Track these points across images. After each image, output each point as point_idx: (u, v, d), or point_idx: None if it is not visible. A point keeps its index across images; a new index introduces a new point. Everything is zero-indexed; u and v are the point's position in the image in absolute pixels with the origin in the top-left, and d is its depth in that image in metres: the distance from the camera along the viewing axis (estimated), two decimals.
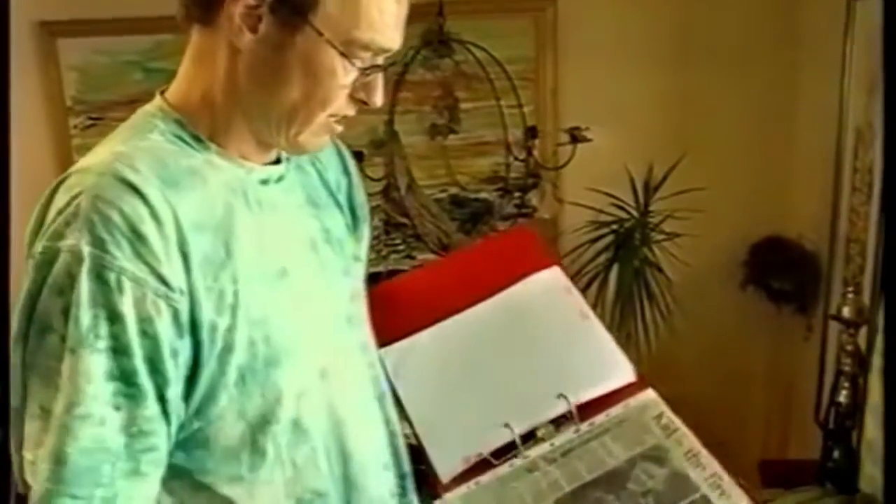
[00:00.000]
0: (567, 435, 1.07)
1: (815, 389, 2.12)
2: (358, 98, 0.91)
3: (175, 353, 0.84)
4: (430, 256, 2.37)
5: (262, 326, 0.89)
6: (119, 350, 0.80)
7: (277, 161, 0.99)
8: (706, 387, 2.35)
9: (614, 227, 2.24)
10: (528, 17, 2.33)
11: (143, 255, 0.80)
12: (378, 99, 0.92)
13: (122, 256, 0.80)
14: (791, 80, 2.34)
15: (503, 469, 1.05)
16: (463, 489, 1.05)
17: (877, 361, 1.74)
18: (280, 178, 0.98)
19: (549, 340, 1.17)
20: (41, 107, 2.21)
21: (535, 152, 2.28)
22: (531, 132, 2.26)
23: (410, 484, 1.08)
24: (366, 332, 1.08)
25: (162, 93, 0.94)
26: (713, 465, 1.01)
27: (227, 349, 0.86)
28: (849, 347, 1.86)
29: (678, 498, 0.98)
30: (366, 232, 1.13)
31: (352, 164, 1.13)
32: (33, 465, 0.81)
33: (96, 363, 0.80)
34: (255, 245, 0.90)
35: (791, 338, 2.42)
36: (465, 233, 2.36)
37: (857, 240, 2.05)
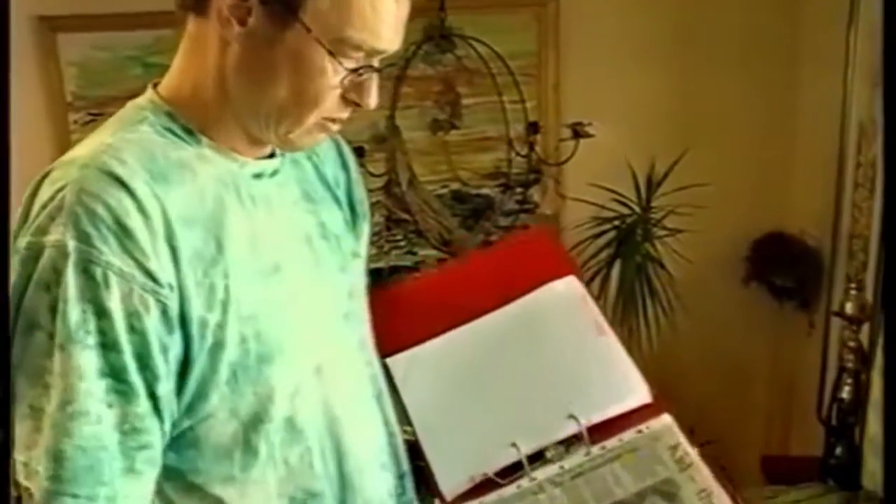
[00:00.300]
0: (577, 458, 1.02)
1: (818, 386, 2.12)
2: (350, 99, 0.89)
3: (165, 349, 0.82)
4: (432, 252, 2.36)
5: (253, 323, 0.87)
6: (108, 346, 0.79)
7: (272, 155, 0.97)
8: (708, 383, 2.34)
9: (616, 222, 2.24)
10: (530, 11, 2.31)
11: (130, 249, 0.79)
12: (371, 102, 0.89)
13: (109, 251, 0.78)
14: (794, 74, 2.33)
15: (509, 490, 1.02)
16: None
17: (879, 358, 1.74)
18: (274, 173, 0.96)
19: (562, 355, 1.12)
20: (41, 102, 2.20)
21: (538, 148, 2.28)
22: (533, 128, 2.26)
23: (410, 483, 1.07)
24: (365, 330, 1.06)
25: (154, 86, 0.93)
26: None
27: (218, 346, 0.85)
28: (851, 344, 1.85)
29: None
30: (365, 228, 1.11)
31: (350, 159, 1.11)
32: (27, 466, 0.80)
33: (87, 359, 0.78)
34: (247, 240, 0.89)
35: (793, 334, 2.41)
36: (466, 229, 2.36)
37: (860, 235, 2.04)
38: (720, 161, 2.29)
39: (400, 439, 1.06)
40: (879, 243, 1.92)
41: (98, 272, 0.78)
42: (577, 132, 2.09)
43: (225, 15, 0.84)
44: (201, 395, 0.86)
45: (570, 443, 1.04)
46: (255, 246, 0.90)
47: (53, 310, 0.78)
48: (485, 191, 2.39)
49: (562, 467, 1.02)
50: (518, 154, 2.28)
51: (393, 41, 0.87)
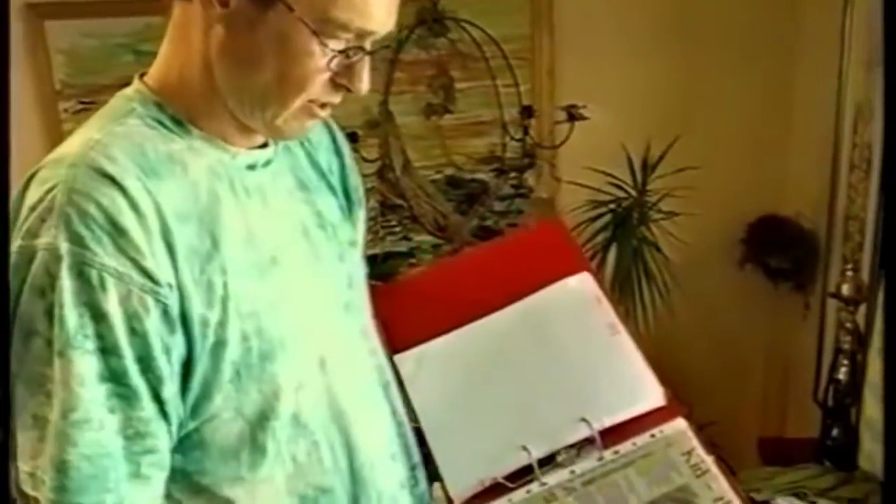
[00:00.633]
0: (589, 462, 1.00)
1: (814, 367, 2.13)
2: (341, 83, 0.85)
3: (167, 350, 0.80)
4: (427, 238, 2.35)
5: (253, 319, 0.85)
6: (108, 350, 0.77)
7: (265, 144, 0.94)
8: (704, 366, 2.35)
9: (612, 206, 2.23)
10: None
11: (125, 249, 0.77)
12: (362, 86, 0.86)
13: (103, 252, 0.76)
14: (789, 56, 2.31)
15: (519, 494, 0.99)
16: None
17: (876, 339, 1.74)
18: (268, 163, 0.94)
19: (574, 356, 1.09)
20: (30, 91, 2.18)
21: (532, 132, 2.27)
22: (527, 111, 2.25)
23: (422, 473, 1.05)
24: (366, 319, 1.04)
25: (142, 77, 0.91)
26: None
27: (220, 344, 0.83)
28: (848, 325, 1.85)
29: None
30: (361, 215, 1.09)
31: (344, 145, 1.08)
32: (32, 476, 0.78)
33: (88, 365, 0.76)
34: (242, 234, 0.87)
35: (789, 316, 2.42)
36: (461, 213, 2.35)
37: (856, 217, 2.04)
38: (716, 144, 2.28)
39: (409, 429, 1.05)
40: (875, 224, 1.92)
41: (93, 275, 0.76)
42: (572, 115, 2.08)
43: None
44: (205, 395, 0.84)
45: (581, 446, 1.01)
46: (251, 239, 0.88)
47: (50, 315, 0.76)
48: (479, 175, 2.38)
49: (573, 472, 1.00)
50: (512, 138, 2.27)
51: (384, 22, 0.84)
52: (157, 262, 0.79)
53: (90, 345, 0.77)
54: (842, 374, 1.86)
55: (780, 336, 2.47)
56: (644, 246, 2.22)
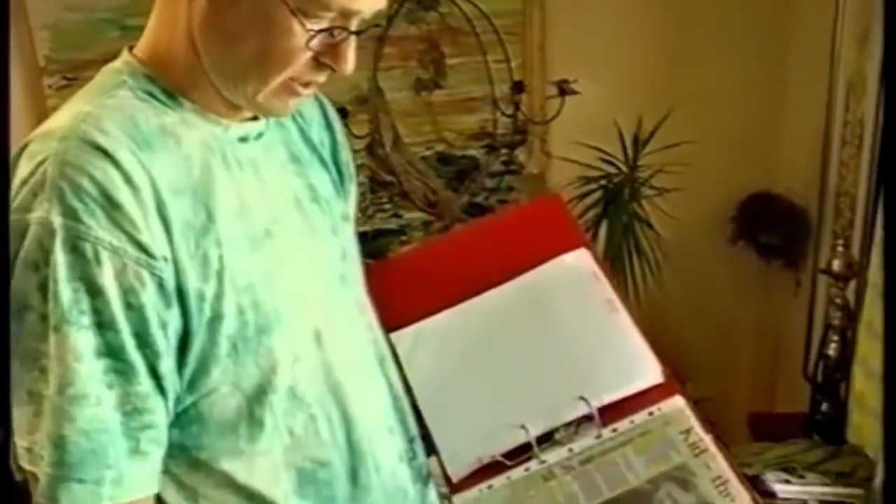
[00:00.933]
0: (587, 440, 0.99)
1: (804, 343, 2.13)
2: (324, 63, 0.83)
3: (164, 325, 0.80)
4: (418, 215, 2.34)
5: (249, 292, 0.85)
6: (104, 325, 0.77)
7: (256, 118, 0.93)
8: (695, 341, 2.35)
9: (603, 182, 2.22)
10: None
11: (120, 223, 0.76)
12: (346, 67, 0.84)
13: (97, 226, 0.76)
14: (781, 31, 2.30)
15: (517, 472, 0.99)
16: (475, 492, 0.99)
17: (866, 315, 1.74)
18: (259, 135, 0.93)
19: (572, 333, 1.08)
20: (13, 67, 2.15)
21: (523, 107, 2.25)
22: (518, 87, 2.23)
23: (419, 446, 1.04)
24: (361, 292, 1.04)
25: (130, 50, 0.89)
26: (743, 497, 0.92)
27: (217, 318, 0.83)
28: (838, 301, 1.86)
29: None
30: (353, 190, 1.09)
31: (335, 119, 1.07)
32: (30, 451, 0.78)
33: (84, 340, 0.76)
34: (236, 207, 0.86)
35: (780, 293, 2.42)
36: (452, 190, 2.34)
37: (847, 193, 2.04)
38: (707, 119, 2.27)
39: (406, 403, 1.04)
40: (866, 200, 1.92)
41: (88, 249, 0.75)
42: (563, 89, 2.06)
43: None
44: (202, 370, 0.84)
45: (579, 424, 1.01)
46: (245, 212, 0.87)
47: (44, 290, 0.75)
48: (470, 152, 2.36)
49: (571, 450, 0.99)
50: (503, 114, 2.26)
51: (371, 2, 0.82)
52: (152, 235, 0.78)
53: (86, 320, 0.76)
54: (831, 349, 1.86)
55: (770, 312, 2.48)
56: (635, 222, 2.22)
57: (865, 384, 1.74)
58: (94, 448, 0.77)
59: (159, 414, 0.81)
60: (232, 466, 0.87)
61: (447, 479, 1.02)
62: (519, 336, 1.09)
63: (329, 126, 1.06)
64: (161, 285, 0.79)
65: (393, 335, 1.08)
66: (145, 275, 0.78)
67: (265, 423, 0.88)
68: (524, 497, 0.97)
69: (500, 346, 1.09)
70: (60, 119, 0.82)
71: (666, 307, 2.25)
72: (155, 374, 0.80)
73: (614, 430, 1.00)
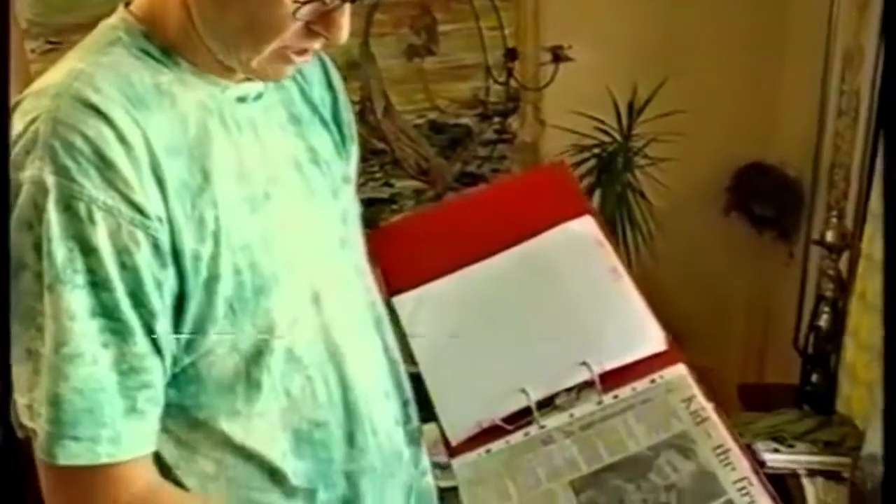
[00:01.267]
0: (588, 406, 0.98)
1: (795, 314, 2.14)
2: (317, 31, 0.82)
3: (159, 285, 0.79)
4: (410, 183, 2.32)
5: (246, 253, 0.84)
6: (98, 284, 0.76)
7: None
8: (687, 311, 2.34)
9: (597, 150, 2.21)
10: None
11: (114, 181, 0.75)
12: (339, 36, 0.82)
13: (91, 185, 0.74)
14: (778, 1, 2.27)
15: (517, 437, 0.99)
16: (473, 456, 0.99)
17: (858, 286, 1.74)
18: (258, 96, 0.91)
19: (575, 299, 1.07)
20: None
21: (516, 75, 2.23)
22: (511, 54, 2.20)
23: (413, 411, 1.05)
24: (360, 256, 1.03)
25: (127, 6, 0.87)
26: (743, 466, 0.91)
27: (213, 279, 0.82)
28: (830, 272, 1.86)
29: (703, 499, 0.90)
30: (354, 151, 1.07)
31: (337, 79, 1.05)
32: (30, 408, 0.78)
33: (78, 299, 0.75)
34: (234, 168, 0.85)
35: (772, 264, 2.42)
36: (444, 158, 2.32)
37: (842, 164, 2.03)
38: (702, 89, 2.25)
39: (402, 367, 1.04)
40: (861, 171, 1.91)
41: (81, 208, 0.74)
42: (557, 56, 2.04)
43: None
44: (199, 331, 0.83)
45: (580, 390, 1.00)
46: (242, 173, 0.86)
47: (38, 249, 0.75)
48: (463, 120, 2.34)
49: (572, 415, 0.99)
50: (496, 81, 2.23)
51: None
52: (146, 195, 0.77)
53: (80, 279, 0.75)
54: (823, 321, 1.87)
55: (762, 283, 2.48)
56: (628, 191, 2.21)
57: (857, 355, 1.74)
58: (90, 407, 0.77)
59: (156, 374, 0.81)
60: (230, 426, 0.87)
61: (446, 442, 1.01)
62: (522, 301, 1.09)
63: (331, 85, 1.05)
64: (156, 245, 0.78)
65: (395, 299, 1.08)
66: (140, 235, 0.77)
67: (262, 385, 0.87)
68: (523, 461, 0.97)
69: (503, 311, 1.08)
70: (53, 76, 0.80)
71: (658, 277, 2.24)
72: (151, 334, 0.80)
73: (615, 397, 0.99)
